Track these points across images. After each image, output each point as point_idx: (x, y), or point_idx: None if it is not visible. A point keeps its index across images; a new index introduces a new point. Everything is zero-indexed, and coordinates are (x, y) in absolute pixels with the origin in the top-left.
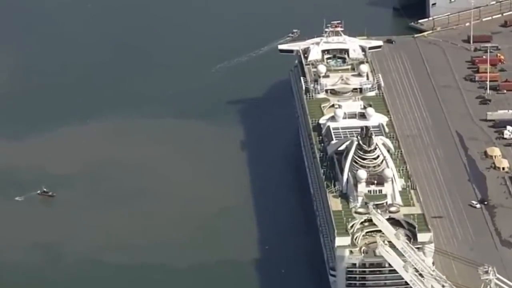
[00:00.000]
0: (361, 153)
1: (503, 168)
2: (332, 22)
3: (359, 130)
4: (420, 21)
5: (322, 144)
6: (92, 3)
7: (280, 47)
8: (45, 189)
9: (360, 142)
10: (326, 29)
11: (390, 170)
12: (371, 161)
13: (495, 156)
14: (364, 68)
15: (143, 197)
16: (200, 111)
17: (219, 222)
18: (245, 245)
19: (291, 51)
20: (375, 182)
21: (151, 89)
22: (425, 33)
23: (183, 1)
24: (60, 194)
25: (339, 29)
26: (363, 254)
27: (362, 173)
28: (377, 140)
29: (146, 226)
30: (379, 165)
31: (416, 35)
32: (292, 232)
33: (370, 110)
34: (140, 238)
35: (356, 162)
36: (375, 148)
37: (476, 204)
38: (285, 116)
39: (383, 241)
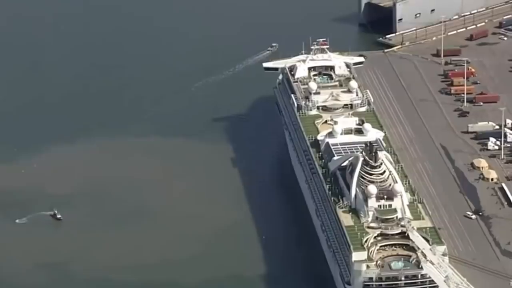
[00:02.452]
0: (368, 168)
1: (492, 179)
2: (318, 40)
3: (358, 145)
4: (388, 36)
5: (323, 160)
6: (69, 25)
7: (265, 65)
8: (56, 211)
9: (367, 158)
10: (312, 47)
11: (400, 185)
12: (377, 176)
13: (482, 168)
14: (354, 84)
15: (143, 215)
16: (187, 129)
17: (221, 238)
18: (249, 260)
19: (276, 69)
20: (385, 197)
21: (133, 108)
22: (394, 48)
23: (157, 20)
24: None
25: (325, 46)
26: (379, 268)
27: (373, 189)
28: (381, 155)
29: (150, 245)
30: (385, 180)
31: (386, 50)
32: (293, 246)
33: (367, 126)
34: (146, 257)
35: (363, 178)
36: (381, 164)
37: (472, 215)
38: (270, 132)
39: (424, 257)
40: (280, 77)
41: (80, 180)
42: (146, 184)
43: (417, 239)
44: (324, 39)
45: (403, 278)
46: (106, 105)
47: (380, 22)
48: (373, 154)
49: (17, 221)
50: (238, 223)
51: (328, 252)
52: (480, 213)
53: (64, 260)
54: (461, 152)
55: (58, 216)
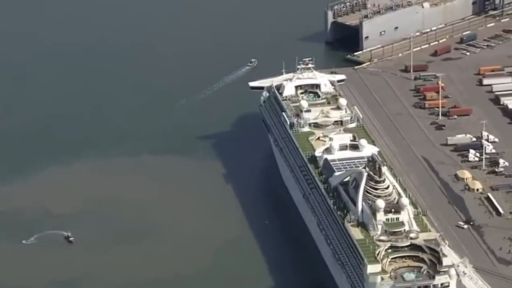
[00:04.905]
0: (373, 183)
1: (477, 190)
2: (303, 59)
3: (356, 161)
4: (356, 53)
5: (323, 176)
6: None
7: (251, 84)
8: (69, 234)
9: (371, 173)
10: (298, 66)
11: (406, 199)
12: (383, 191)
13: (466, 178)
14: (343, 101)
15: (146, 233)
16: (175, 147)
17: (224, 255)
18: (251, 274)
19: (262, 87)
20: (392, 210)
21: (121, 128)
22: (364, 65)
23: (135, 38)
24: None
25: (310, 65)
26: (393, 280)
27: (381, 203)
28: (384, 170)
29: (157, 261)
30: (390, 194)
31: (356, 67)
32: (293, 259)
33: (363, 141)
34: (148, 275)
35: (369, 193)
36: (385, 178)
37: (464, 225)
38: (258, 148)
39: (463, 272)
40: (266, 95)
41: (78, 199)
42: (144, 202)
43: (449, 253)
44: (310, 58)
45: None
46: (92, 125)
47: (346, 40)
48: (377, 169)
49: (23, 241)
50: (237, 238)
51: (334, 265)
52: (471, 223)
53: (72, 279)
54: (444, 164)
55: (71, 238)
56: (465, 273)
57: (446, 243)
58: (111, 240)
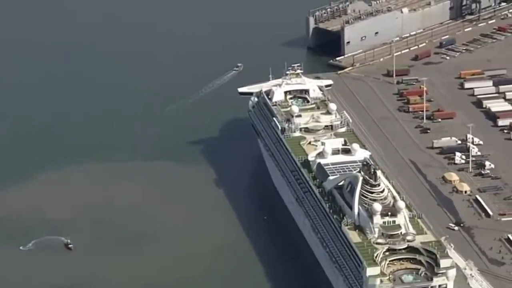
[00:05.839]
0: (368, 187)
1: (465, 192)
2: (292, 65)
3: (349, 165)
4: (338, 58)
5: (317, 180)
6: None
7: (240, 90)
8: (68, 241)
9: (366, 177)
10: (288, 72)
11: (402, 202)
12: (378, 194)
13: (454, 181)
14: (333, 106)
15: (142, 239)
16: (166, 153)
17: (219, 259)
18: (247, 277)
19: (251, 93)
20: (389, 213)
21: (111, 134)
22: (346, 70)
23: (121, 45)
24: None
25: (299, 71)
26: (392, 282)
27: (378, 206)
28: (379, 173)
29: (150, 269)
30: (386, 198)
31: (339, 72)
32: (287, 261)
33: (355, 146)
34: (146, 281)
35: (365, 196)
36: (380, 182)
37: (454, 226)
38: (247, 153)
39: (471, 274)
40: (254, 100)
41: (72, 205)
42: (137, 208)
43: (455, 256)
44: (299, 64)
45: None
46: (82, 132)
47: (328, 46)
48: (372, 173)
49: (21, 248)
50: (232, 242)
51: (330, 267)
52: (462, 225)
53: (71, 286)
54: (431, 166)
55: (70, 245)
56: (472, 276)
57: (452, 246)
58: (107, 246)
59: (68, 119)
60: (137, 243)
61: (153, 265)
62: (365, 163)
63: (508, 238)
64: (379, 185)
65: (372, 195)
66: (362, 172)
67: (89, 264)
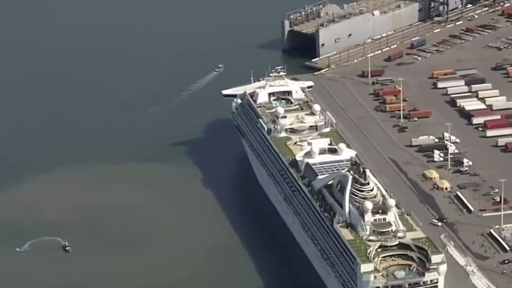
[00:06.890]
0: (358, 186)
1: (446, 188)
2: (276, 67)
3: (336, 164)
4: (313, 60)
5: (306, 179)
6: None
7: (224, 92)
8: (66, 243)
9: (356, 176)
10: (271, 74)
11: (392, 200)
12: (368, 192)
13: (434, 178)
14: (317, 107)
15: (137, 239)
16: (152, 155)
17: (213, 259)
18: (241, 275)
19: (235, 95)
20: (380, 211)
21: (94, 137)
22: (322, 71)
23: (102, 45)
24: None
25: (282, 73)
26: (385, 278)
27: (369, 204)
28: (368, 172)
29: (145, 270)
30: (375, 196)
31: (315, 73)
32: (278, 259)
33: (342, 145)
34: (142, 282)
35: (355, 195)
36: (369, 181)
37: (438, 222)
38: (232, 153)
39: (472, 271)
40: (238, 102)
41: (63, 207)
42: (127, 210)
43: (454, 253)
44: (282, 66)
45: (407, 286)
46: (66, 136)
47: (303, 48)
48: (362, 172)
49: (17, 249)
50: (222, 241)
51: (320, 264)
52: (444, 220)
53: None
54: (411, 164)
55: (68, 248)
56: (474, 272)
57: (451, 244)
58: (102, 248)
59: (54, 123)
60: (130, 244)
61: (147, 267)
62: (353, 162)
63: (490, 232)
64: (368, 183)
65: (362, 193)
66: (351, 171)
67: (83, 265)
